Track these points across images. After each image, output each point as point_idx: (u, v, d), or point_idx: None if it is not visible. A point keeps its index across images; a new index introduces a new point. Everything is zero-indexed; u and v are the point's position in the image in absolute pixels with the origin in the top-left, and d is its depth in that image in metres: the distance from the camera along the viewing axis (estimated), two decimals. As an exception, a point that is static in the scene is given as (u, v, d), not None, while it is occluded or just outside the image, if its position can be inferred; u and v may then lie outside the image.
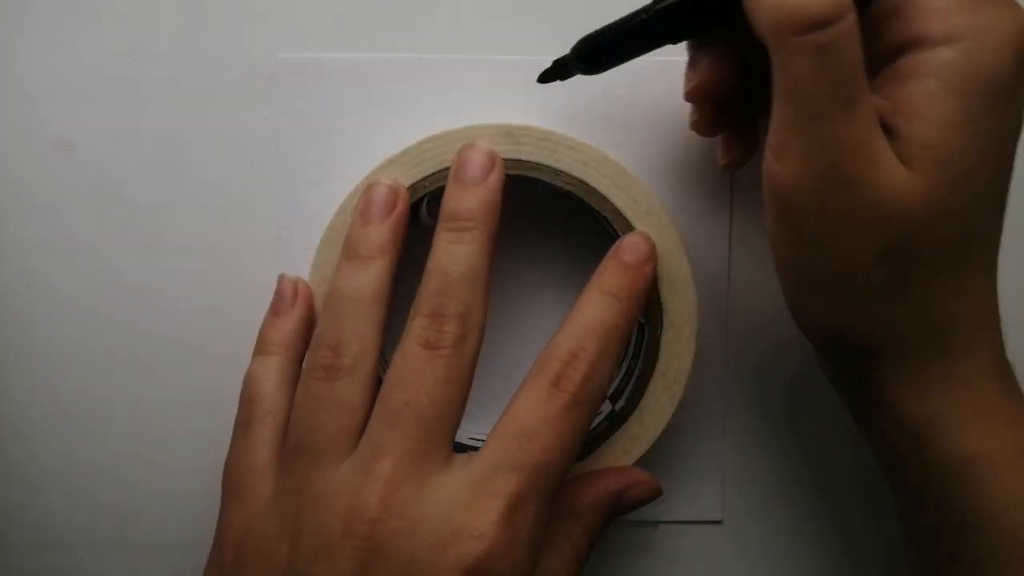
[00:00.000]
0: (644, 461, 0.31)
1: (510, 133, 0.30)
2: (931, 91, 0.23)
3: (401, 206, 0.30)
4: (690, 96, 0.28)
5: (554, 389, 0.26)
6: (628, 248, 0.29)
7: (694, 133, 0.30)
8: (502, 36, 0.33)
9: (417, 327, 0.27)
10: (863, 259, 0.24)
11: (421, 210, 0.31)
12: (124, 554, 0.34)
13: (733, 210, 0.34)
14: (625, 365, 0.32)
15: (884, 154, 0.24)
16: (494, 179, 0.29)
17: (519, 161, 0.30)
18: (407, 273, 0.29)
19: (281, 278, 0.31)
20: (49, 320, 0.34)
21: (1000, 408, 0.26)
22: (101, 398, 0.34)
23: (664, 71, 0.32)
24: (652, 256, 0.29)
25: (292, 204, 0.33)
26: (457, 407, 0.27)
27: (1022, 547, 0.25)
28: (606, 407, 0.31)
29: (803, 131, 0.24)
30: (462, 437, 0.32)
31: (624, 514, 0.30)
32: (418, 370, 0.26)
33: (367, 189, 0.30)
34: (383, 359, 0.29)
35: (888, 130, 0.24)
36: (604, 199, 0.30)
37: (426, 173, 0.31)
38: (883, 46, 0.25)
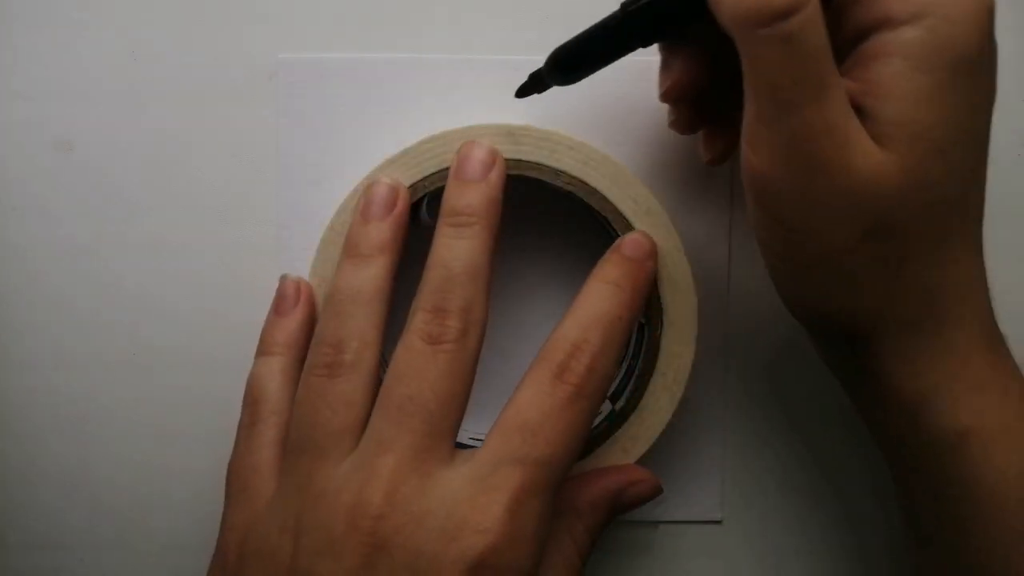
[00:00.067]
0: (644, 461, 0.31)
1: (510, 133, 0.30)
2: (899, 70, 0.24)
3: (401, 205, 0.30)
4: (665, 97, 0.28)
5: (558, 381, 0.26)
6: (630, 244, 0.29)
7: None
8: (502, 36, 0.33)
9: (419, 322, 0.27)
10: (845, 241, 0.25)
11: (421, 210, 0.31)
12: (124, 554, 0.34)
13: (733, 210, 0.34)
14: (625, 365, 0.32)
15: (857, 136, 0.24)
16: (495, 176, 0.29)
17: (519, 161, 0.30)
18: (407, 273, 0.29)
19: (283, 278, 0.31)
20: (49, 320, 0.34)
21: (992, 381, 0.26)
22: (101, 398, 0.34)
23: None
24: (653, 253, 0.30)
25: (292, 204, 0.33)
26: (460, 402, 0.27)
27: (1015, 519, 0.25)
28: (606, 407, 0.32)
29: (775, 121, 0.24)
30: (462, 436, 0.32)
31: (625, 512, 0.30)
32: (421, 365, 0.26)
33: (367, 188, 0.30)
34: (383, 359, 0.29)
35: (860, 112, 0.24)
36: (604, 199, 0.30)
37: (426, 173, 0.31)
38: (850, 29, 0.25)
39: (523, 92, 0.29)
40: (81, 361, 0.34)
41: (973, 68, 0.24)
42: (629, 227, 0.30)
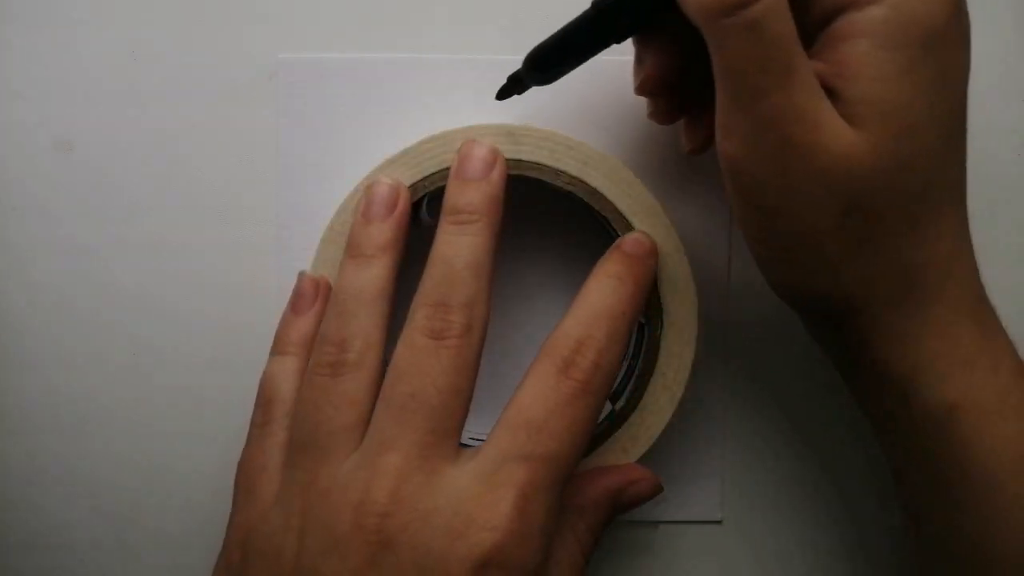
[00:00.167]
0: (644, 461, 0.31)
1: (510, 133, 0.30)
2: (866, 49, 0.24)
3: (402, 204, 0.30)
4: (640, 91, 0.28)
5: (562, 377, 0.26)
6: (631, 242, 0.29)
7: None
8: (502, 36, 0.33)
9: (421, 318, 0.27)
10: (823, 222, 0.25)
11: (421, 210, 0.31)
12: (124, 554, 0.34)
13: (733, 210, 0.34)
14: (625, 365, 0.32)
15: (828, 117, 0.24)
16: (496, 174, 0.29)
17: (519, 161, 0.30)
18: (408, 273, 0.29)
19: (301, 275, 0.31)
20: (49, 320, 0.34)
21: (980, 355, 0.26)
22: (101, 398, 0.34)
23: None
24: (654, 252, 0.30)
25: (292, 204, 0.33)
26: (464, 398, 0.27)
27: (1006, 493, 0.25)
28: (606, 407, 0.31)
29: (745, 108, 0.24)
30: (463, 436, 0.32)
31: (626, 511, 0.30)
32: (423, 361, 0.26)
33: (368, 188, 0.30)
34: (385, 360, 0.29)
35: (830, 93, 0.24)
36: (604, 199, 0.30)
37: (426, 173, 0.31)
38: (818, 12, 0.25)
39: (503, 94, 0.29)
40: (81, 361, 0.34)
41: (941, 44, 0.24)
42: (629, 227, 0.30)
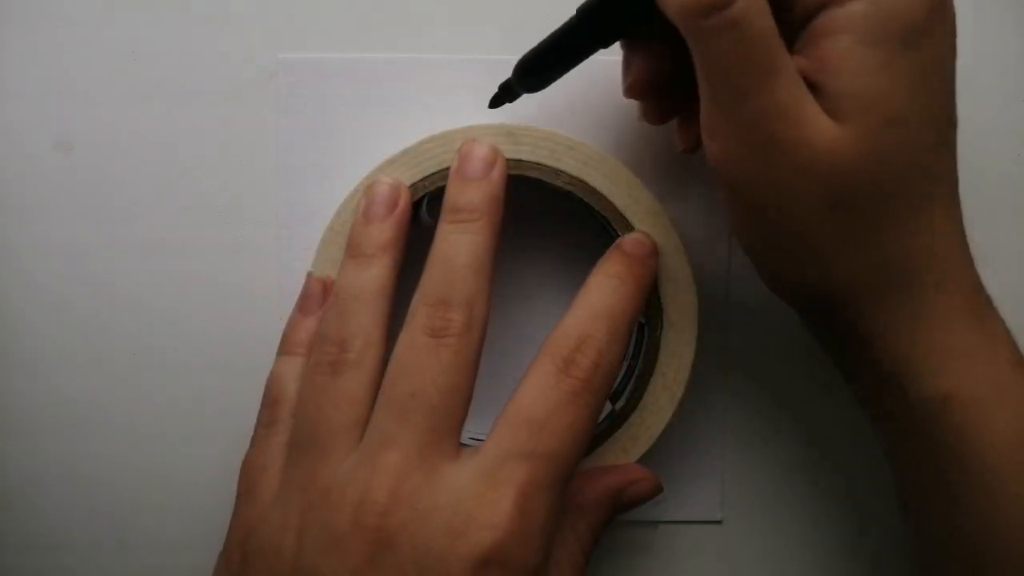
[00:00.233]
0: (644, 461, 0.31)
1: (510, 133, 0.30)
2: (847, 44, 0.24)
3: (403, 204, 0.30)
4: (628, 94, 0.28)
5: (563, 375, 0.26)
6: (631, 242, 0.29)
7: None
8: (502, 36, 0.33)
9: (421, 315, 0.27)
10: (812, 217, 0.25)
11: (421, 210, 0.31)
12: (124, 554, 0.34)
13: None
14: (625, 365, 0.32)
15: (812, 113, 0.24)
16: (497, 174, 0.29)
17: (519, 161, 0.30)
18: (407, 273, 0.29)
19: (309, 276, 0.31)
20: (48, 320, 0.34)
21: (976, 346, 0.26)
22: (101, 398, 0.34)
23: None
24: (655, 253, 0.30)
25: (292, 204, 0.33)
26: (464, 397, 0.26)
27: (1003, 485, 0.25)
28: (606, 407, 0.31)
29: (729, 108, 0.24)
30: (462, 436, 0.32)
31: (626, 511, 0.30)
32: (423, 359, 0.26)
33: (368, 188, 0.30)
34: (386, 359, 0.29)
35: (814, 88, 0.24)
36: (604, 199, 0.30)
37: (426, 173, 0.31)
38: (800, 9, 0.25)
39: (495, 103, 0.29)
40: (81, 361, 0.34)
41: (921, 37, 0.24)
42: (629, 227, 0.30)
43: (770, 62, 0.24)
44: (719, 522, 0.35)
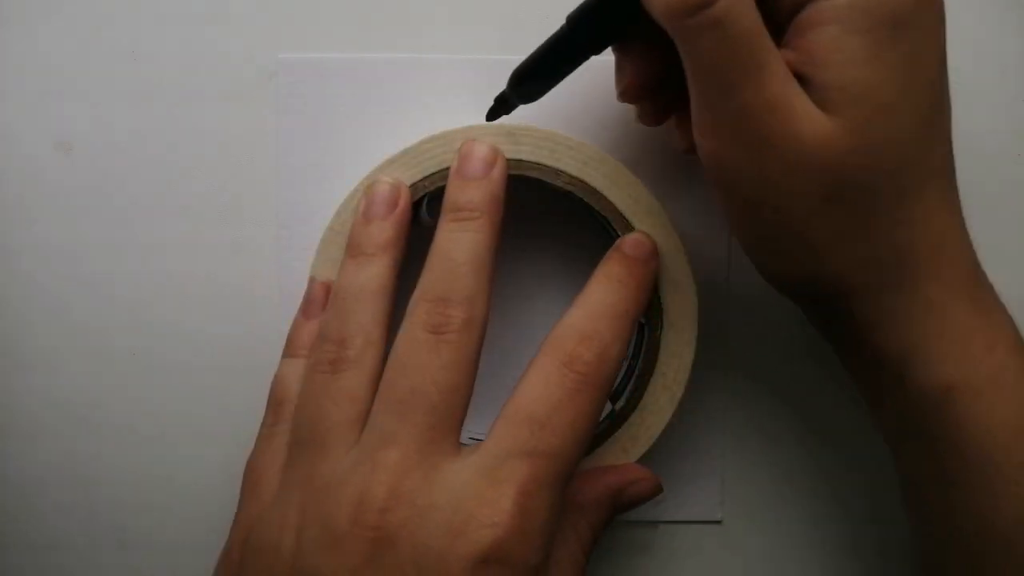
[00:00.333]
0: (644, 461, 0.31)
1: (510, 133, 0.30)
2: (834, 35, 0.24)
3: (403, 204, 0.30)
4: (623, 98, 0.28)
5: (566, 370, 0.26)
6: (631, 243, 0.29)
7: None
8: (502, 36, 0.33)
9: (421, 312, 0.27)
10: (805, 209, 0.25)
11: (421, 210, 0.31)
12: (124, 554, 0.34)
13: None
14: (625, 365, 0.32)
15: (802, 105, 0.24)
16: (497, 173, 0.29)
17: (519, 161, 0.30)
18: (408, 273, 0.29)
19: (312, 281, 0.31)
20: (49, 320, 0.34)
21: (975, 334, 0.26)
22: (101, 398, 0.34)
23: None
24: (655, 253, 0.30)
25: (292, 204, 0.33)
26: (464, 393, 0.26)
27: (1002, 473, 0.25)
28: (606, 407, 0.31)
29: (718, 105, 0.24)
30: (461, 436, 0.32)
31: (626, 511, 0.30)
32: (423, 356, 0.26)
33: (369, 187, 0.30)
34: (386, 358, 0.29)
35: (802, 80, 0.24)
36: (604, 199, 0.30)
37: (426, 173, 0.31)
38: (787, 2, 0.25)
39: (492, 115, 0.29)
40: (81, 360, 0.34)
41: (909, 25, 0.24)
42: (629, 227, 0.30)
43: (756, 58, 0.24)
44: (719, 522, 0.35)
